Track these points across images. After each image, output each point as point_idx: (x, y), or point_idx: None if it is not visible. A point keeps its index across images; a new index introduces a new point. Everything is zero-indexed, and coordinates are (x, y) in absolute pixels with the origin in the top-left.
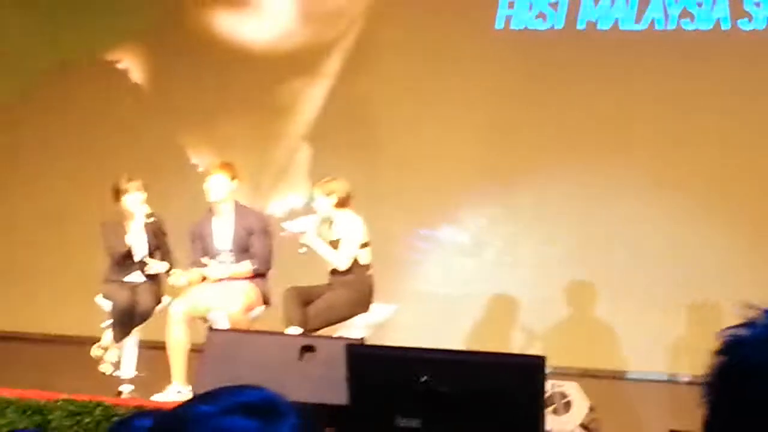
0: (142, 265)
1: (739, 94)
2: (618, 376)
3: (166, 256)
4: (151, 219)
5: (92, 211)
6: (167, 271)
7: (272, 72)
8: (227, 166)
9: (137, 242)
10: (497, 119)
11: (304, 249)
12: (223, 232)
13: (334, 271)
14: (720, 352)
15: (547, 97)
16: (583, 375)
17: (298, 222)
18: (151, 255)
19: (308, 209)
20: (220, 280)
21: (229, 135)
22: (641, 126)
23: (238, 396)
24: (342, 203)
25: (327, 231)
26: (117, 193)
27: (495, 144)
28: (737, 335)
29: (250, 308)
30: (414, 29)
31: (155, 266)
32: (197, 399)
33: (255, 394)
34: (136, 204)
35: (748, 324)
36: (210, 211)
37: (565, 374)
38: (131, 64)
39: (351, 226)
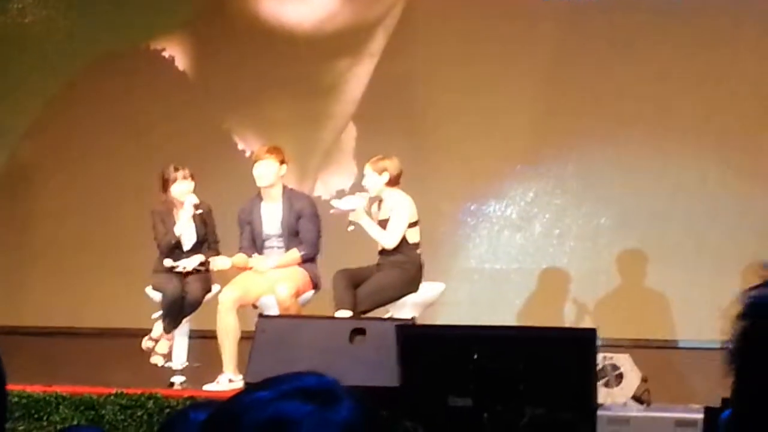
0: (188, 255)
1: None
2: (670, 345)
3: (213, 245)
4: (199, 210)
5: (140, 202)
6: (204, 263)
7: (316, 53)
8: (275, 150)
9: (186, 232)
10: (543, 91)
11: (352, 227)
12: (272, 216)
13: (382, 252)
14: (742, 315)
15: (595, 66)
16: (634, 345)
17: (348, 200)
18: (199, 244)
19: (356, 189)
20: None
21: (275, 118)
22: (692, 91)
23: (296, 382)
24: (393, 182)
25: (375, 210)
26: (165, 183)
27: (542, 116)
28: (759, 297)
29: (299, 293)
30: (457, 3)
31: (186, 263)
32: (255, 386)
33: (313, 380)
34: (183, 193)
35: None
36: (258, 196)
37: (616, 345)
38: (175, 53)
39: (400, 205)
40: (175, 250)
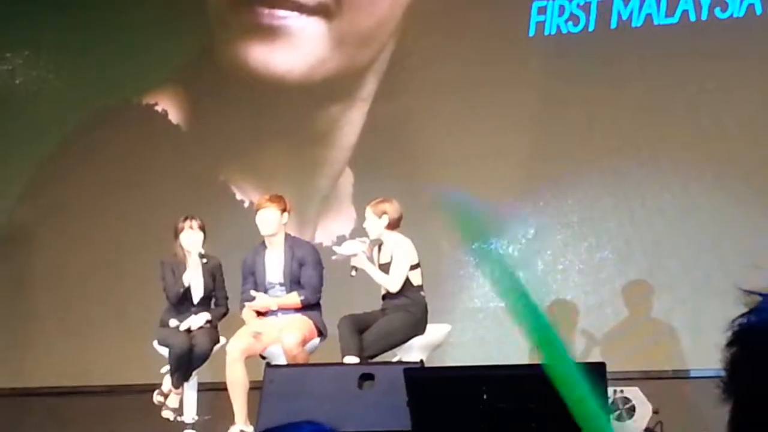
0: (197, 308)
1: None
2: (681, 376)
3: (222, 300)
4: (205, 260)
5: (141, 256)
6: (210, 320)
7: (309, 100)
8: (277, 198)
9: (195, 284)
10: (537, 127)
11: (355, 272)
12: (275, 265)
13: (386, 296)
14: (731, 343)
15: (586, 99)
16: (645, 377)
17: (349, 245)
18: (206, 299)
19: (356, 234)
20: (271, 311)
21: (271, 167)
22: (684, 120)
23: (293, 430)
24: (393, 225)
25: (376, 254)
26: (175, 232)
27: (537, 152)
28: (746, 324)
29: (305, 341)
30: (446, 44)
31: (192, 322)
32: None
33: (310, 428)
34: (191, 243)
35: (755, 311)
36: (262, 245)
37: (627, 378)
38: (167, 106)
39: (400, 248)
40: (184, 302)
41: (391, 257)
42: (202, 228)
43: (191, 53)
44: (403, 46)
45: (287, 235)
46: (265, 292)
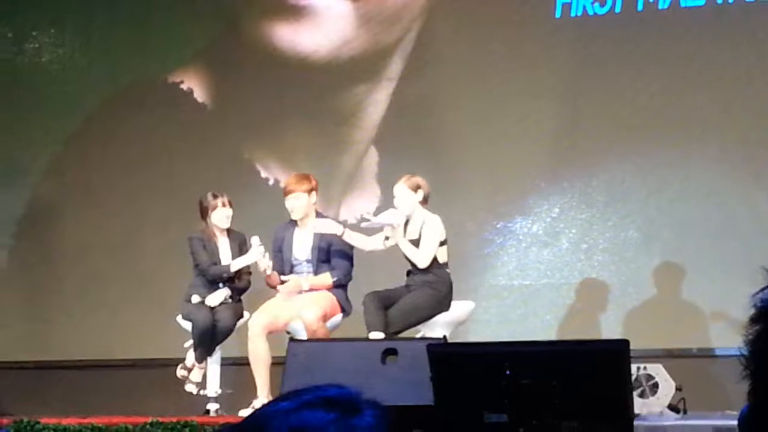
0: (225, 285)
1: None
2: (704, 354)
3: (246, 275)
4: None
5: (164, 233)
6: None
7: (334, 79)
8: (305, 180)
9: (224, 260)
10: (563, 107)
11: (387, 241)
12: (303, 242)
13: (411, 272)
14: (754, 319)
15: (611, 81)
16: (668, 355)
17: (387, 214)
18: (235, 272)
19: (379, 213)
20: (302, 291)
21: (296, 146)
22: (710, 102)
23: (318, 392)
24: (426, 200)
25: (403, 230)
26: (203, 210)
27: (562, 132)
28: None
29: (326, 317)
30: (473, 25)
31: (211, 300)
32: (279, 398)
33: (335, 390)
34: (224, 220)
35: None
36: (292, 221)
37: (650, 356)
38: (193, 85)
39: (431, 224)
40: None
41: (420, 233)
42: (230, 204)
43: (217, 32)
44: (429, 27)
45: (318, 214)
46: (291, 267)
